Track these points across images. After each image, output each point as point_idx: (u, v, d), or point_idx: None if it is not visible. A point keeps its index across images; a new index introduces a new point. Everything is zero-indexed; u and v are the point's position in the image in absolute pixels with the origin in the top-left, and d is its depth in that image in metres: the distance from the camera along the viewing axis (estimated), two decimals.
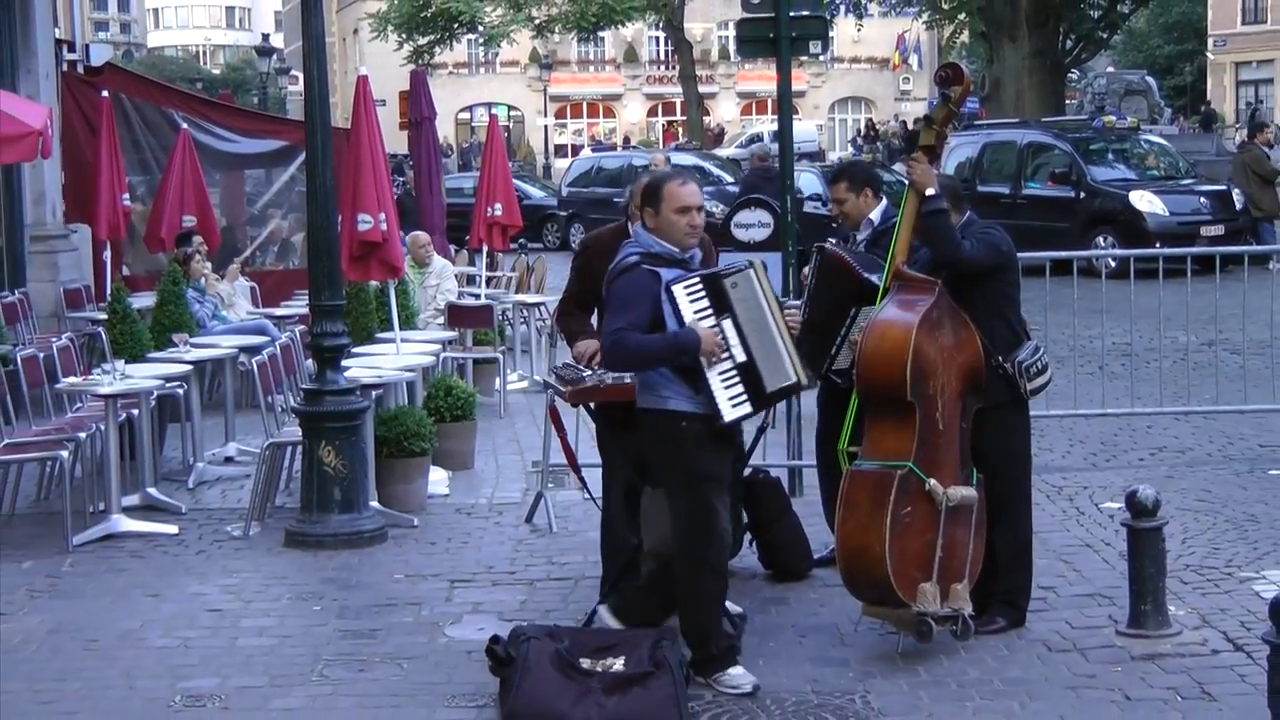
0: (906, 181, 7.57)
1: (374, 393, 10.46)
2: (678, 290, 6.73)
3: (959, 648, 7.17)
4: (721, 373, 6.70)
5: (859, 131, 66.63)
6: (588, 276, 8.02)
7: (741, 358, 6.73)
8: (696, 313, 6.71)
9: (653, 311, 6.75)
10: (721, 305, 6.74)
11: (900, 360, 7.02)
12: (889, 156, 45.74)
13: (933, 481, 7.07)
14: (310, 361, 10.45)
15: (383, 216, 11.40)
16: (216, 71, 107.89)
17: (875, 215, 8.35)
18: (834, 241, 8.27)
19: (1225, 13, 71.40)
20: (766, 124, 62.06)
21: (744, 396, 6.74)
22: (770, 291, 6.89)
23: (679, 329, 6.70)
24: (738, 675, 6.80)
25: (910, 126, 58.81)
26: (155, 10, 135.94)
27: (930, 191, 7.37)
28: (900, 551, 6.96)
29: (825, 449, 8.29)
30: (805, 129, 56.84)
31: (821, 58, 68.56)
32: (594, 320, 8.01)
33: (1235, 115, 65.07)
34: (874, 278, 7.67)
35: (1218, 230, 23.04)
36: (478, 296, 16.22)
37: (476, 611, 8.11)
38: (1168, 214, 23.48)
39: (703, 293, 6.75)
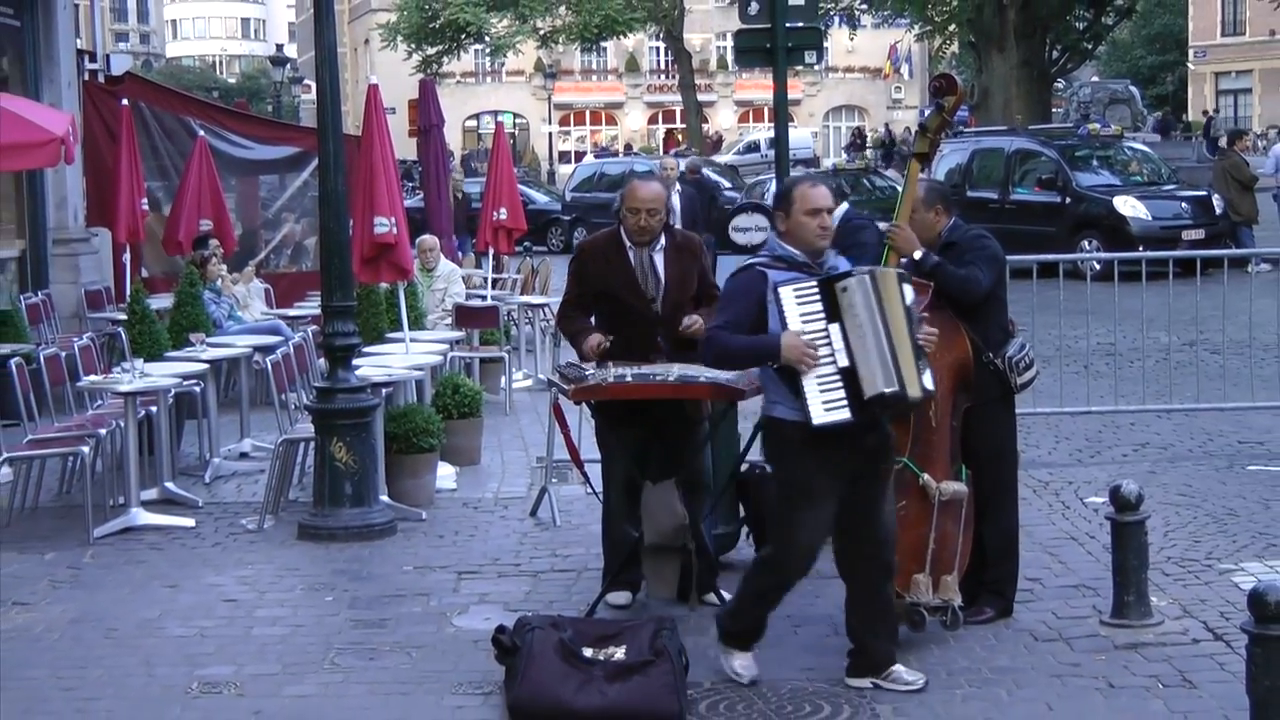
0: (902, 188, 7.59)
1: (384, 391, 10.45)
2: (785, 292, 6.49)
3: (949, 637, 7.16)
4: (820, 377, 6.41)
5: (850, 140, 66.50)
6: (584, 279, 8.06)
7: (844, 363, 6.41)
8: (804, 316, 6.45)
9: (756, 311, 6.55)
10: (832, 310, 6.46)
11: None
12: (884, 161, 45.69)
13: (926, 476, 7.07)
14: (322, 360, 10.45)
15: (393, 220, 11.41)
16: (232, 80, 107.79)
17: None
18: None
19: (1205, 25, 71.51)
20: (763, 131, 62.10)
21: (843, 401, 6.40)
22: (892, 298, 6.52)
23: (773, 332, 6.48)
24: (740, 660, 6.76)
25: (894, 134, 58.90)
26: (173, 21, 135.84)
27: (918, 255, 7.33)
28: (896, 544, 6.96)
29: None
30: (800, 136, 56.84)
31: (816, 67, 68.45)
32: (591, 320, 8.03)
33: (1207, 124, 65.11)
34: None
35: (1198, 234, 23.04)
36: (484, 298, 16.21)
37: (483, 602, 8.11)
38: (1150, 218, 23.48)
39: (816, 296, 6.49)
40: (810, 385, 6.39)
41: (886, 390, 6.37)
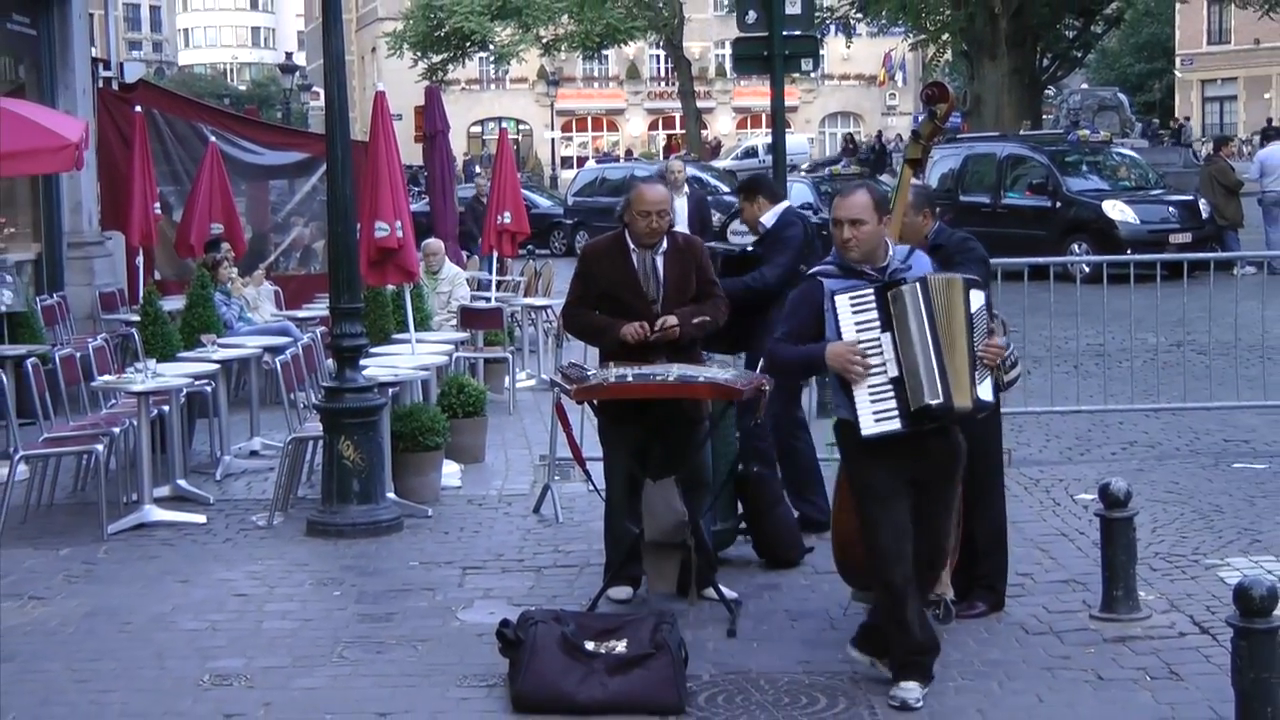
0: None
1: (390, 390, 10.46)
2: (840, 300, 6.34)
3: (942, 631, 7.16)
4: (872, 387, 6.26)
5: (843, 146, 66.35)
6: (589, 281, 8.07)
7: (894, 373, 6.26)
8: (859, 325, 6.31)
9: (815, 321, 6.42)
10: (887, 318, 6.30)
11: None
12: (875, 168, 45.62)
13: None
14: (330, 361, 10.46)
15: (398, 224, 11.41)
16: (243, 88, 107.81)
17: (767, 218, 8.76)
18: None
19: (1192, 34, 71.58)
20: (761, 137, 62.04)
21: (894, 412, 6.25)
22: (950, 306, 6.35)
23: (829, 340, 6.35)
24: (907, 689, 6.40)
25: (884, 141, 58.85)
26: (185, 30, 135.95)
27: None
28: (948, 553, 6.97)
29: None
30: (797, 142, 56.89)
31: (812, 75, 68.62)
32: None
33: (1202, 129, 65.13)
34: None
35: (1185, 238, 23.03)
36: (488, 300, 16.22)
37: (487, 597, 8.11)
38: (1138, 222, 23.49)
39: (872, 304, 6.32)
40: (861, 395, 6.26)
41: (931, 403, 6.21)
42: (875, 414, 6.25)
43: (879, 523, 6.38)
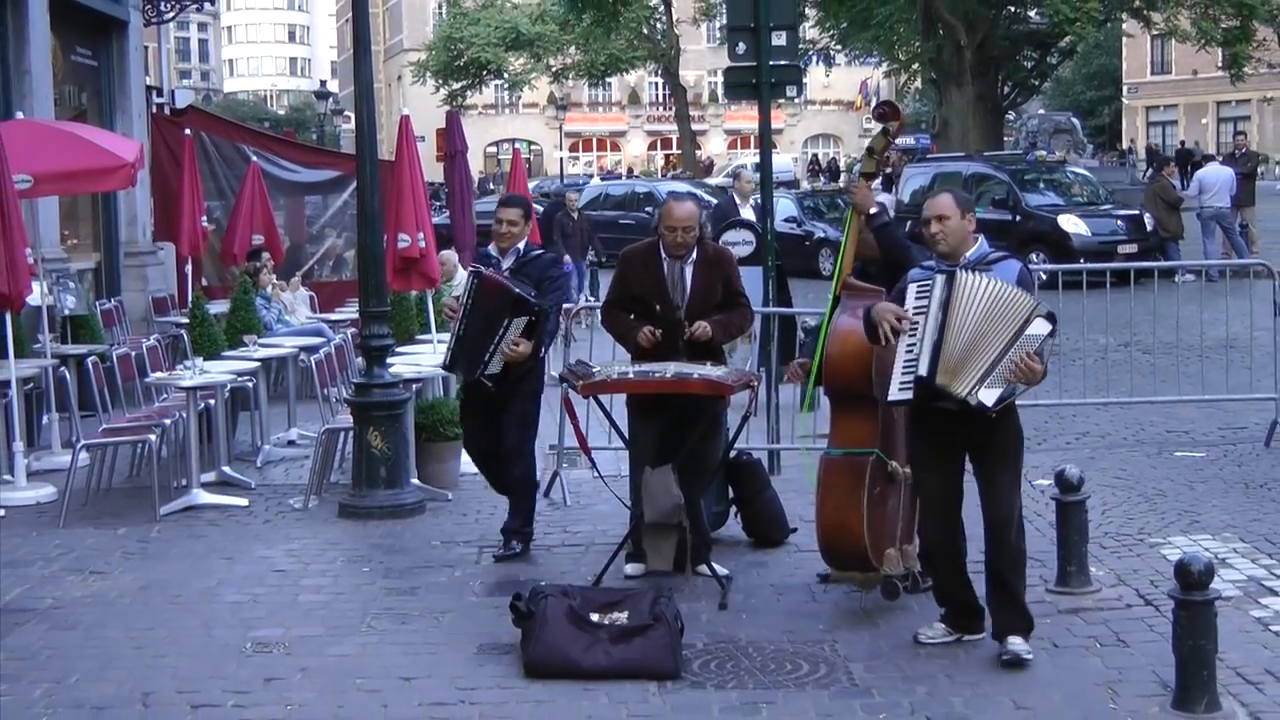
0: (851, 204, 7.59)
1: (414, 386, 10.46)
2: (910, 286, 6.44)
3: (912, 603, 7.16)
4: (904, 361, 6.36)
5: (818, 165, 66.27)
6: (625, 283, 8.07)
7: (915, 351, 6.34)
8: (914, 308, 6.36)
9: (900, 301, 6.48)
10: (928, 302, 6.37)
11: (865, 361, 6.92)
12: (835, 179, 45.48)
13: (894, 464, 7.06)
14: (360, 359, 10.45)
15: (420, 236, 11.45)
16: (281, 112, 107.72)
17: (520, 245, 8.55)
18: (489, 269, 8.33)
19: (1137, 65, 71.77)
20: (750, 156, 62.03)
21: (909, 383, 6.34)
22: (970, 300, 6.21)
23: None
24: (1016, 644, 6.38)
25: (843, 163, 58.93)
26: (230, 60, 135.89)
27: (874, 210, 7.39)
28: (872, 525, 6.95)
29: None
30: (782, 161, 56.80)
31: (796, 100, 68.59)
32: (632, 318, 8.00)
33: (1146, 151, 65.19)
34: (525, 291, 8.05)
35: (1132, 248, 23.04)
36: None
37: (502, 573, 8.10)
38: (1090, 234, 23.49)
39: (929, 289, 6.35)
40: (897, 368, 6.38)
41: (922, 374, 6.27)
42: (899, 384, 6.37)
43: (922, 482, 6.60)
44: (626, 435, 8.09)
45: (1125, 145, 62.14)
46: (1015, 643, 6.39)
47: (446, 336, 8.72)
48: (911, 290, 6.44)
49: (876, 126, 7.97)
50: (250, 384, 11.45)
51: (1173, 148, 59.14)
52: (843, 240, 7.52)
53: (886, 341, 6.41)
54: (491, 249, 8.53)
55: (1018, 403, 6.52)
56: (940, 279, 6.32)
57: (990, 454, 6.45)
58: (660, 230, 7.89)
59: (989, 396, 6.22)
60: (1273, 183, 46.51)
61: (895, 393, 6.39)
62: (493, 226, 8.49)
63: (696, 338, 7.75)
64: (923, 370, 6.26)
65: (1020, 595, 6.50)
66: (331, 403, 11.09)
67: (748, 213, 16.33)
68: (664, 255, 7.89)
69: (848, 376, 7.02)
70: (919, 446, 6.57)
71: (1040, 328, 6.26)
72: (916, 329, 6.33)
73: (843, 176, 54.67)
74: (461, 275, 16.01)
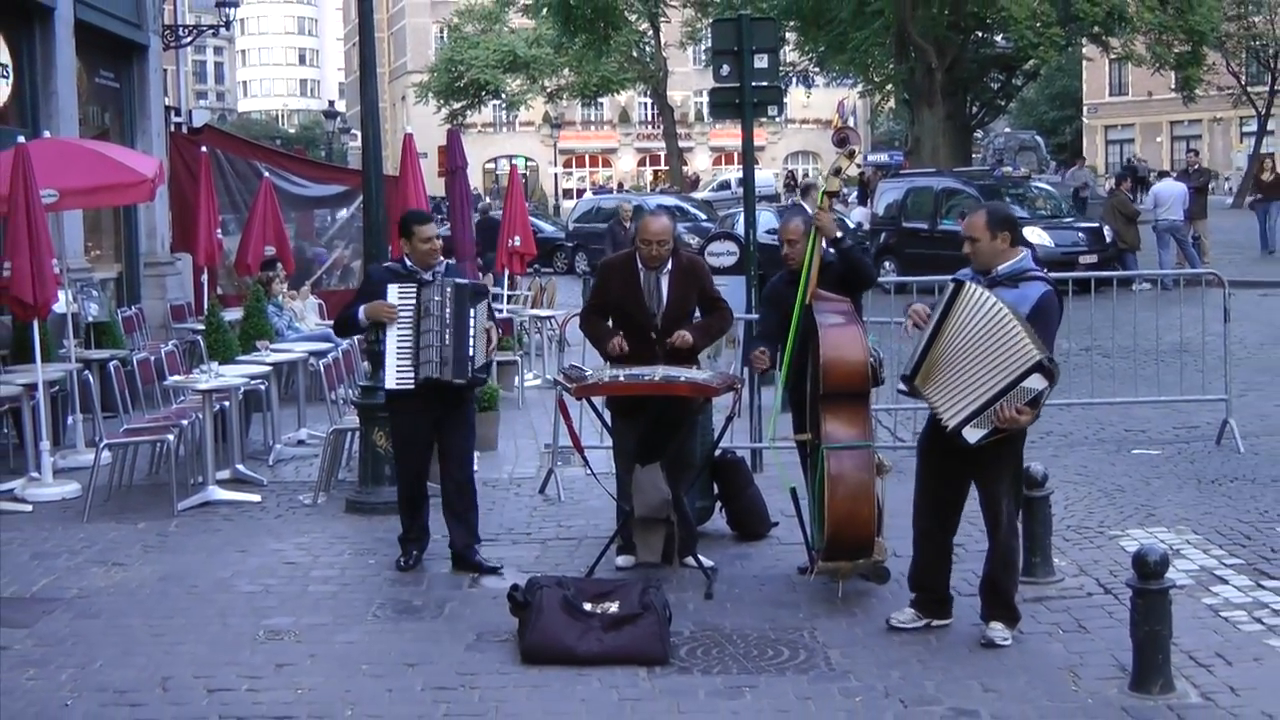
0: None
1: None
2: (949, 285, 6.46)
3: (885, 592, 7.17)
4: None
5: (793, 181, 66.15)
6: (604, 290, 8.07)
7: (914, 348, 6.43)
8: (932, 306, 6.48)
9: None
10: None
11: (862, 359, 7.00)
12: (805, 196, 45.44)
13: (880, 455, 7.08)
14: (365, 363, 10.44)
15: None
16: (292, 131, 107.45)
17: None
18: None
19: (1096, 86, 72.01)
20: (733, 172, 62.08)
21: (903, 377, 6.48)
22: (962, 312, 6.23)
23: None
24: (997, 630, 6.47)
25: (801, 180, 58.94)
26: (244, 82, 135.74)
27: (838, 235, 7.42)
28: (875, 514, 6.99)
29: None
30: (764, 177, 56.73)
31: (777, 119, 68.60)
32: (610, 324, 8.03)
33: (1105, 167, 65.34)
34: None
35: (1092, 259, 23.02)
36: (500, 311, 16.19)
37: (500, 565, 8.09)
38: (1053, 245, 23.45)
39: (944, 295, 6.41)
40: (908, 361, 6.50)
41: (905, 372, 6.37)
42: (901, 375, 6.46)
43: (918, 478, 6.63)
44: (612, 433, 8.09)
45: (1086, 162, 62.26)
46: (996, 628, 6.47)
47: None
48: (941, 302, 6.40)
49: (841, 150, 8.00)
50: (262, 387, 11.44)
51: (1116, 165, 59.29)
52: (806, 257, 7.50)
53: (911, 330, 6.46)
54: (407, 265, 8.00)
55: None
56: (950, 286, 6.34)
57: (985, 460, 6.43)
58: (637, 243, 7.92)
59: (972, 435, 6.22)
60: (1223, 198, 46.62)
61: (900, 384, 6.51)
62: (418, 246, 7.90)
63: (678, 347, 7.78)
64: (907, 368, 6.34)
65: (1008, 591, 6.54)
66: (339, 405, 11.08)
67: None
68: (641, 266, 7.90)
69: (849, 374, 7.00)
70: (925, 441, 6.62)
71: (1037, 383, 6.12)
72: (925, 328, 6.38)
73: (798, 193, 54.80)
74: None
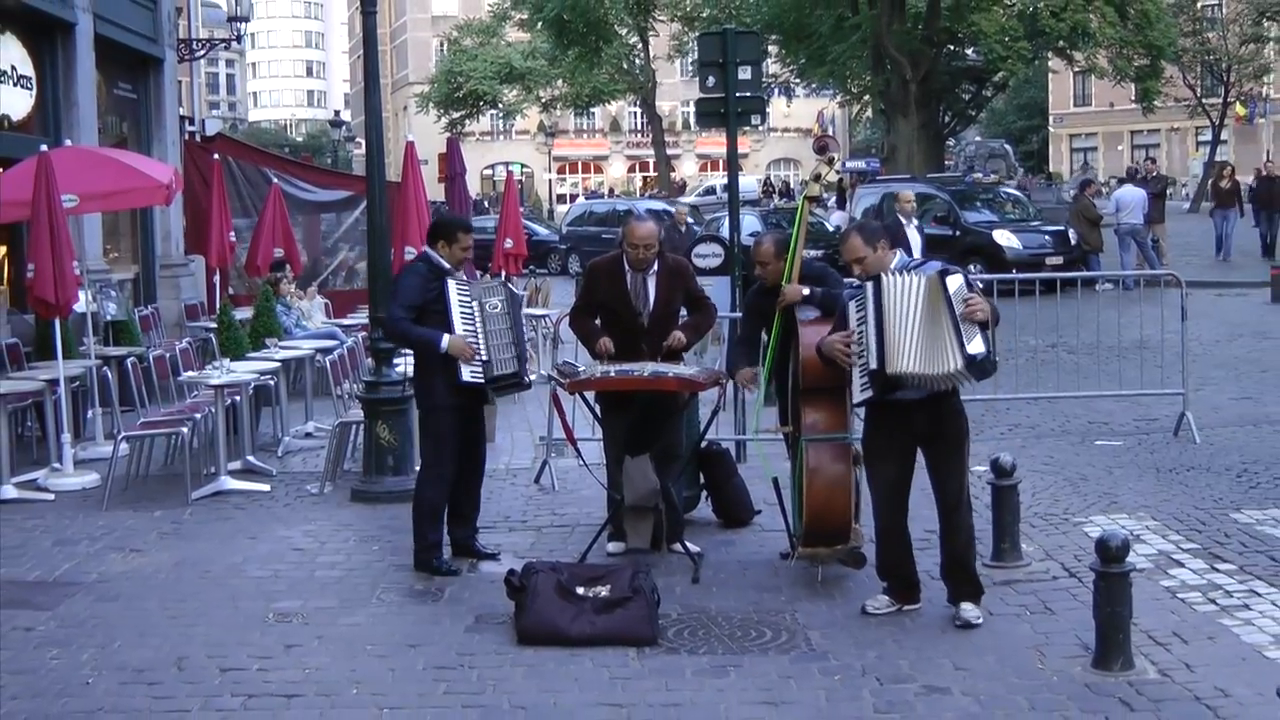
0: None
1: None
2: (850, 306, 6.46)
3: (863, 577, 7.17)
4: (858, 370, 6.41)
5: (771, 188, 65.99)
6: (592, 291, 8.06)
7: (865, 354, 6.33)
8: (856, 320, 6.43)
9: (845, 326, 6.55)
10: (865, 312, 6.38)
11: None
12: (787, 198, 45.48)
13: (857, 445, 7.08)
14: (369, 360, 10.43)
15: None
16: (300, 139, 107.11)
17: None
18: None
19: (1061, 97, 72.20)
20: (718, 178, 62.07)
21: (868, 383, 6.35)
22: (891, 293, 6.21)
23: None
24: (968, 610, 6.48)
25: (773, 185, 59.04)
26: (255, 93, 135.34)
27: (806, 293, 7.28)
28: (851, 503, 6.98)
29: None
30: (748, 183, 56.71)
31: (760, 128, 68.69)
32: (597, 323, 8.01)
33: (1069, 173, 65.45)
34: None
35: (1058, 260, 23.07)
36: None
37: (497, 550, 8.09)
38: (1021, 247, 23.54)
39: (864, 301, 6.37)
40: (855, 376, 6.45)
41: (874, 368, 6.23)
42: (860, 387, 6.40)
43: (871, 475, 6.55)
44: (601, 426, 8.09)
45: (1055, 170, 62.46)
46: (968, 609, 6.47)
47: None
48: (851, 309, 6.46)
49: (821, 156, 7.98)
50: (272, 382, 11.42)
51: (1093, 170, 59.37)
52: (792, 244, 7.50)
53: (849, 364, 6.40)
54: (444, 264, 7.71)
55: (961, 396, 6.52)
56: (869, 286, 6.33)
57: (942, 444, 6.44)
58: (624, 247, 7.89)
59: (976, 347, 6.15)
60: (1179, 203, 46.73)
61: (858, 395, 6.42)
62: (458, 252, 7.66)
63: (673, 348, 7.79)
64: (874, 364, 6.26)
65: (972, 566, 6.58)
66: (344, 399, 11.07)
67: (912, 232, 16.13)
68: (627, 268, 7.88)
69: (823, 374, 6.99)
70: (875, 439, 6.53)
71: (955, 281, 6.24)
72: (863, 338, 6.34)
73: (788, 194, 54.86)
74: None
